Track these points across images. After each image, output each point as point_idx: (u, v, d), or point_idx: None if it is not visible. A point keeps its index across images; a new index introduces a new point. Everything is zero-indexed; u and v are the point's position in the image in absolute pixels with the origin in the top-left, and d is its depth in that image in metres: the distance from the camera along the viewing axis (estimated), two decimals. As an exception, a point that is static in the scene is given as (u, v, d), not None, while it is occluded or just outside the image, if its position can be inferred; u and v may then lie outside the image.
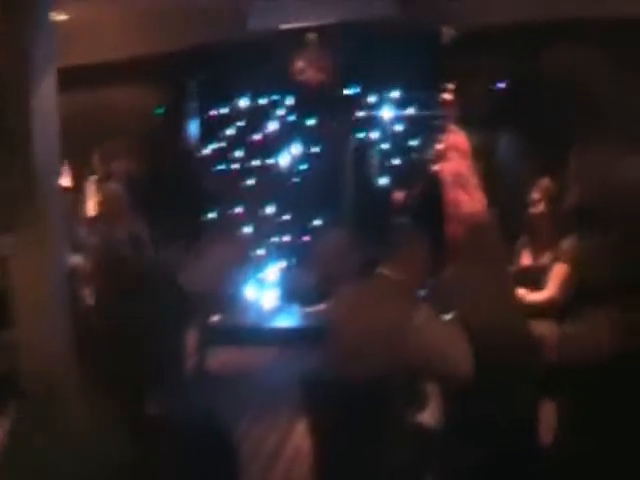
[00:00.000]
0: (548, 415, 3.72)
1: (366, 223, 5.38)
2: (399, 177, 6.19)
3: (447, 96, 4.93)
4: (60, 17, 6.45)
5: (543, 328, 4.12)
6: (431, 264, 3.56)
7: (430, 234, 3.55)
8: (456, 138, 4.70)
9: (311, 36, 6.79)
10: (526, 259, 4.54)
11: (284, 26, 6.84)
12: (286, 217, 6.76)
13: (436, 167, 4.82)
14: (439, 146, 4.76)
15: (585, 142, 5.33)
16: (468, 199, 4.41)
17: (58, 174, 5.42)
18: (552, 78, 6.42)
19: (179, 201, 6.03)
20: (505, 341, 3.29)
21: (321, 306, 5.36)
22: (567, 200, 4.86)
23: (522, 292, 4.27)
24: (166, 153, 6.52)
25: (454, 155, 4.69)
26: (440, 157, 4.71)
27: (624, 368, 3.41)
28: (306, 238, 6.59)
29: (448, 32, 5.22)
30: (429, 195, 4.90)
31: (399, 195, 5.71)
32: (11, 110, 5.21)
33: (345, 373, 3.12)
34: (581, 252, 4.35)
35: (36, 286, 4.39)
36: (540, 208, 4.50)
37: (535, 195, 4.53)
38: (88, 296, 5.31)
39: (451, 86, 4.95)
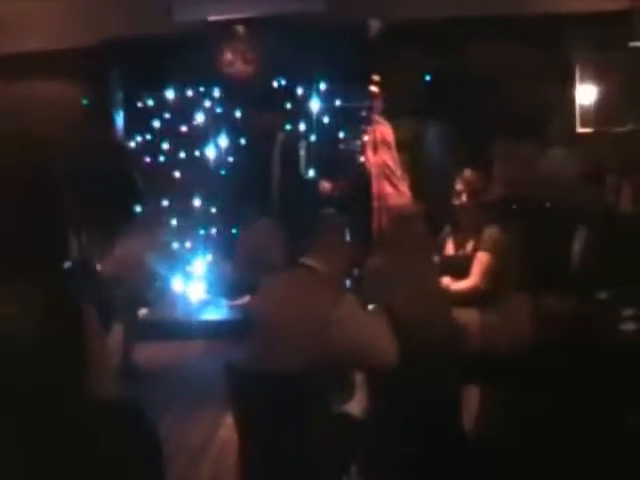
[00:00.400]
0: (472, 403, 3.77)
1: (292, 214, 5.36)
2: (326, 168, 6.18)
3: (373, 88, 4.95)
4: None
5: (466, 316, 4.17)
6: (356, 255, 3.57)
7: (356, 225, 3.56)
8: (382, 130, 4.74)
9: (239, 28, 6.75)
10: (450, 248, 4.60)
11: (211, 18, 6.78)
12: (213, 209, 6.70)
13: (362, 158, 4.85)
14: (365, 138, 4.80)
15: (507, 135, 5.43)
16: (393, 190, 4.47)
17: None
18: (475, 72, 6.52)
19: (105, 193, 5.91)
20: (430, 330, 3.31)
21: (247, 298, 5.33)
22: (490, 191, 4.93)
23: (446, 281, 4.33)
24: (92, 144, 6.38)
25: (380, 147, 4.73)
26: (366, 149, 4.75)
27: (543, 353, 3.49)
28: (233, 230, 6.55)
29: (374, 25, 5.24)
30: (355, 186, 4.92)
31: (326, 185, 5.70)
32: None
33: (270, 365, 3.10)
34: (502, 241, 4.43)
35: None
36: (463, 199, 4.55)
37: (458, 186, 4.58)
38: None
39: (377, 78, 4.98)
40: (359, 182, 4.89)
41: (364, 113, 5.11)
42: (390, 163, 4.67)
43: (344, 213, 4.05)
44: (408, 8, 5.90)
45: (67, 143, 6.76)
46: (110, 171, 6.18)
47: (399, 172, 4.66)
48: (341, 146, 6.06)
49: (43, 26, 7.21)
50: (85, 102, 7.16)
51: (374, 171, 4.62)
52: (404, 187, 4.55)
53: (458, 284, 4.35)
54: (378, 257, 3.70)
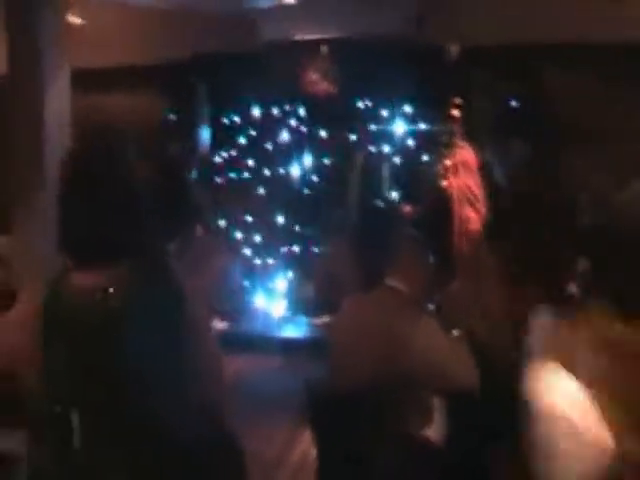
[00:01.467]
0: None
1: (374, 235, 5.35)
2: (408, 191, 6.15)
3: (455, 112, 4.92)
4: (74, 20, 6.47)
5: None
6: (437, 278, 3.55)
7: (437, 248, 3.54)
8: (465, 154, 4.70)
9: (323, 48, 6.80)
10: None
11: (296, 37, 6.86)
12: (296, 227, 6.75)
13: (445, 182, 4.81)
14: (448, 161, 4.77)
15: (590, 164, 5.34)
16: (475, 215, 4.42)
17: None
18: (556, 98, 6.45)
19: (189, 206, 6.00)
20: (508, 357, 3.28)
21: (328, 317, 5.35)
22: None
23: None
24: (177, 158, 6.50)
25: (462, 171, 4.69)
26: (449, 172, 4.71)
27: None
28: (315, 249, 6.58)
29: (455, 49, 5.22)
30: (437, 210, 4.88)
31: (407, 209, 5.67)
32: (23, 109, 5.23)
33: (351, 384, 3.11)
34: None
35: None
36: None
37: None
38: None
39: (459, 102, 4.95)
40: (441, 206, 4.85)
41: (447, 136, 5.08)
42: (473, 187, 4.63)
43: (425, 236, 4.04)
44: (491, 33, 5.88)
45: (151, 156, 6.93)
46: (192, 185, 6.27)
47: (481, 196, 4.61)
48: (422, 169, 6.01)
49: (131, 40, 7.41)
50: (171, 117, 7.30)
51: (456, 195, 4.59)
52: (483, 210, 4.52)
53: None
54: (458, 282, 3.68)
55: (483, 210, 4.58)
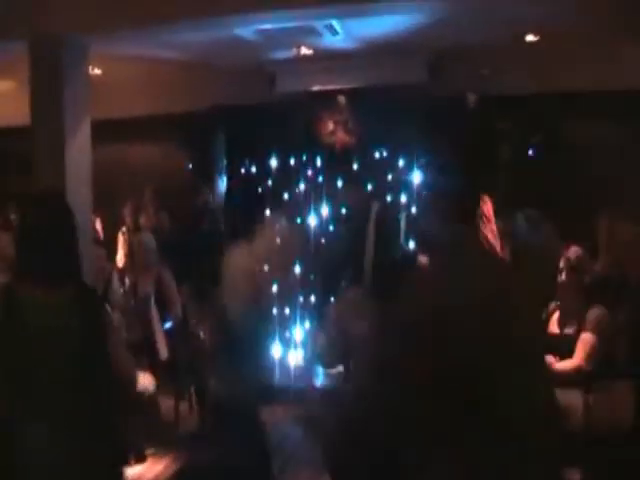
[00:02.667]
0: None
1: (388, 286, 5.33)
2: (424, 241, 6.12)
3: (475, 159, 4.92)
4: (95, 72, 6.59)
5: (570, 397, 4.10)
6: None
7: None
8: (482, 205, 4.70)
9: (340, 99, 6.88)
10: (554, 326, 4.52)
11: (313, 88, 6.95)
12: (312, 277, 6.74)
13: None
14: None
15: (612, 212, 5.35)
16: None
17: (89, 225, 5.49)
18: (577, 146, 6.50)
19: (206, 255, 6.04)
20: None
21: (341, 368, 5.32)
22: (595, 269, 4.85)
23: (550, 359, 4.25)
24: (194, 209, 6.56)
25: (480, 220, 4.68)
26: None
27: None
28: (331, 299, 6.56)
29: (471, 98, 5.25)
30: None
31: (424, 260, 5.62)
32: (46, 160, 5.31)
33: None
34: (607, 323, 4.34)
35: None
36: (567, 276, 4.50)
37: (562, 263, 4.53)
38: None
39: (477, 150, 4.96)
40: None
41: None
42: (490, 236, 4.62)
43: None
44: (507, 83, 5.95)
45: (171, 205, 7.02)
46: (209, 235, 6.32)
47: (499, 245, 4.61)
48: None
49: (151, 91, 7.53)
50: (190, 167, 7.38)
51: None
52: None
53: (563, 364, 4.28)
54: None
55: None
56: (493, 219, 4.72)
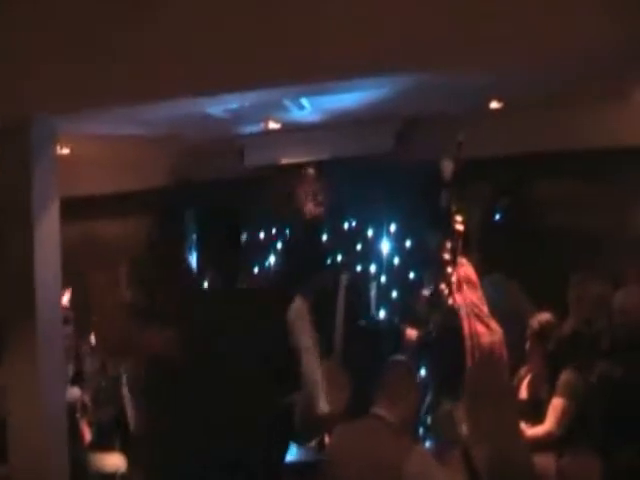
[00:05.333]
0: None
1: (357, 359, 5.29)
2: (408, 313, 6.09)
3: (458, 227, 4.93)
4: (63, 151, 6.60)
5: (542, 461, 4.11)
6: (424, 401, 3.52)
7: (446, 368, 3.54)
8: (465, 270, 4.72)
9: (309, 170, 6.94)
10: (524, 392, 4.55)
11: (282, 161, 7.01)
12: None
13: (451, 300, 4.79)
14: (452, 279, 4.76)
15: (583, 270, 5.40)
16: (485, 329, 4.43)
17: (58, 304, 5.44)
18: (544, 206, 6.58)
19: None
20: (511, 473, 3.26)
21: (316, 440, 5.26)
22: (563, 331, 4.88)
23: (522, 425, 4.27)
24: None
25: (466, 287, 4.70)
26: (454, 289, 4.70)
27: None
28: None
29: (447, 165, 5.28)
30: (447, 329, 4.80)
31: (411, 333, 5.55)
32: (14, 239, 5.28)
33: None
34: (578, 386, 4.37)
35: (32, 419, 4.32)
36: (531, 344, 4.56)
37: (531, 329, 4.58)
38: (87, 431, 5.23)
39: (460, 218, 4.97)
40: (449, 325, 4.80)
41: (450, 252, 5.06)
42: (477, 302, 4.65)
43: (433, 357, 4.01)
44: (474, 148, 6.04)
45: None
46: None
47: (486, 310, 4.63)
48: (424, 291, 5.91)
49: (118, 168, 7.55)
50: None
51: (463, 311, 4.59)
52: (494, 324, 4.50)
53: (534, 430, 4.30)
54: (465, 397, 3.65)
55: (492, 324, 4.59)
56: (477, 283, 4.73)
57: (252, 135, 6.88)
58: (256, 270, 6.94)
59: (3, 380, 4.53)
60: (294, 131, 6.74)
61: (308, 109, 6.19)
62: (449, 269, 4.84)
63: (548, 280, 5.54)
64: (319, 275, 6.40)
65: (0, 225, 5.40)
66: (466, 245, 4.93)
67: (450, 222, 4.98)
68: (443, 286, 5.06)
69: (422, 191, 6.06)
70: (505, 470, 3.29)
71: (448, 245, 4.92)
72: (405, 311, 6.23)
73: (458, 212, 5.01)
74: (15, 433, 4.30)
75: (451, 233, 4.94)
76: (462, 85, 5.53)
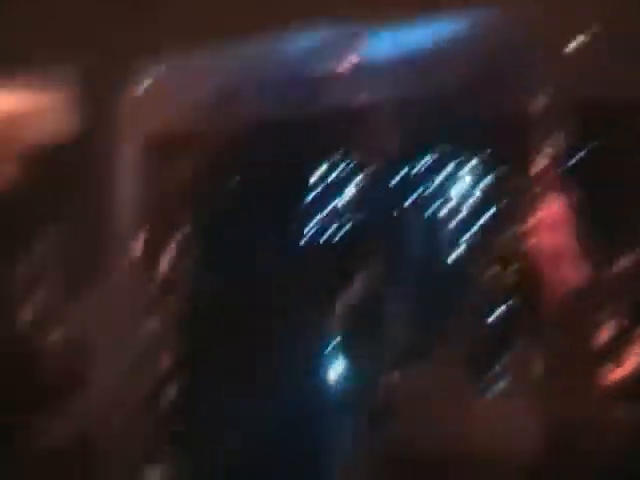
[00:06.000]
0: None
1: (432, 298, 5.29)
2: (489, 253, 5.97)
3: (544, 163, 4.76)
4: (141, 88, 6.69)
5: (625, 410, 4.04)
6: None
7: (525, 315, 3.51)
8: (556, 209, 4.53)
9: (387, 108, 6.88)
10: (606, 332, 4.46)
11: (359, 98, 6.97)
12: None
13: (532, 240, 4.60)
14: (535, 217, 4.57)
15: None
16: (570, 276, 4.27)
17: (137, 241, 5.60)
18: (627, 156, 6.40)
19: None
20: (585, 423, 3.25)
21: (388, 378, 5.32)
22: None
23: (606, 367, 4.19)
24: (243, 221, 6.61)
25: (553, 226, 4.52)
26: (537, 229, 4.52)
27: None
28: (374, 311, 6.55)
29: (541, 100, 5.10)
30: (524, 273, 4.66)
31: (487, 271, 5.45)
32: (98, 179, 5.42)
33: (411, 450, 3.11)
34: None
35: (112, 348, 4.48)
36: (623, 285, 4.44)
37: (617, 267, 4.46)
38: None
39: (549, 151, 4.80)
40: (528, 267, 4.63)
41: (533, 190, 4.86)
42: (568, 243, 4.47)
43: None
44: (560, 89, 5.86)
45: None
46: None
47: (577, 252, 4.43)
48: (507, 230, 5.75)
49: (197, 106, 7.62)
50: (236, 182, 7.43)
51: (549, 253, 4.42)
52: (584, 267, 4.35)
53: (617, 372, 4.20)
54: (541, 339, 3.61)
55: (580, 267, 4.42)
56: (568, 224, 4.54)
57: (325, 74, 6.84)
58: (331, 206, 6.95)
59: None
60: (368, 69, 6.68)
61: (386, 44, 6.12)
62: (534, 207, 4.65)
63: (627, 227, 5.40)
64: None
65: (82, 164, 5.56)
66: (557, 183, 4.73)
67: (536, 159, 4.80)
68: (527, 225, 4.88)
69: (502, 130, 5.95)
70: (579, 419, 3.27)
71: (536, 181, 4.73)
72: (486, 250, 6.14)
73: (550, 146, 4.81)
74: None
75: (538, 170, 4.75)
76: (543, 18, 5.37)
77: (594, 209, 5.70)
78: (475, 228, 6.37)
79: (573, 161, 5.35)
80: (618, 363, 4.23)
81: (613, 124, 6.51)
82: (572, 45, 6.04)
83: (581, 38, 5.98)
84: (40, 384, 3.67)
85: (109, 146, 5.50)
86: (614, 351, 4.34)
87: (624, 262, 4.61)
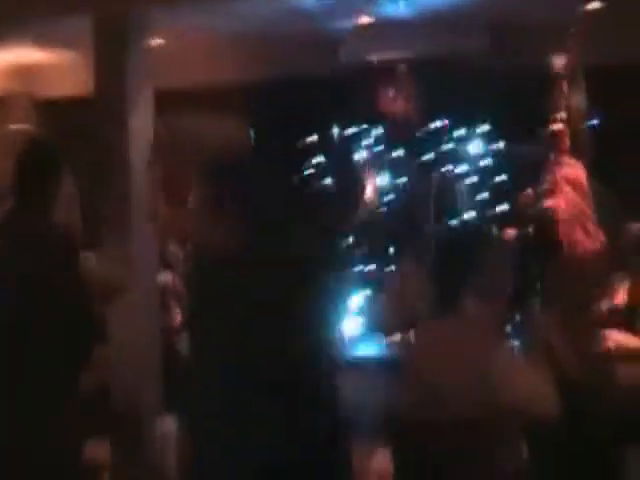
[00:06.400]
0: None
1: (451, 255, 5.26)
2: (507, 214, 5.88)
3: (559, 126, 4.70)
4: (157, 42, 6.64)
5: (629, 372, 4.05)
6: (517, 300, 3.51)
7: (542, 275, 3.49)
8: (570, 171, 4.49)
9: (402, 67, 6.83)
10: (621, 298, 4.46)
11: (375, 58, 6.92)
12: (366, 247, 6.74)
13: (549, 202, 4.57)
14: (552, 180, 4.54)
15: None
16: (586, 237, 4.25)
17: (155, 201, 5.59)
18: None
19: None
20: (595, 379, 3.25)
21: (399, 336, 5.32)
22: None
23: (614, 333, 4.20)
24: (255, 180, 6.59)
25: (569, 189, 4.49)
26: (553, 191, 4.49)
27: None
28: (389, 268, 6.56)
29: (558, 61, 5.00)
30: (543, 233, 4.61)
31: (510, 233, 5.37)
32: (109, 130, 5.41)
33: (429, 413, 3.10)
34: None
35: (126, 303, 4.48)
36: (634, 251, 4.43)
37: (629, 235, 4.45)
38: (177, 314, 5.43)
39: (563, 116, 4.74)
40: (548, 229, 4.58)
41: (547, 153, 4.79)
42: (583, 207, 4.44)
43: (529, 261, 3.90)
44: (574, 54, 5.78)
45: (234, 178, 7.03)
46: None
47: (591, 215, 4.41)
48: (524, 192, 5.67)
49: (211, 62, 7.57)
50: (253, 139, 7.39)
51: (564, 216, 4.39)
52: (596, 231, 4.33)
53: (629, 340, 4.21)
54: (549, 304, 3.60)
55: (595, 231, 4.39)
56: (585, 186, 4.51)
57: (344, 31, 6.78)
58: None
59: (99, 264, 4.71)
60: (386, 27, 6.63)
61: (402, 3, 6.07)
62: (550, 169, 4.62)
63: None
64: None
65: (96, 117, 5.55)
66: (573, 145, 4.68)
67: (554, 120, 4.73)
68: (543, 187, 4.83)
69: (522, 93, 5.89)
70: (588, 375, 3.27)
71: (551, 144, 4.68)
72: (504, 212, 6.07)
73: (567, 110, 4.75)
74: (112, 317, 4.49)
75: (553, 132, 4.70)
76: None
77: (607, 174, 5.69)
78: (492, 189, 6.37)
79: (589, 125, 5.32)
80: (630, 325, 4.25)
81: (628, 92, 6.46)
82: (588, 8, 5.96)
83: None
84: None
85: (122, 101, 5.48)
86: (629, 313, 4.35)
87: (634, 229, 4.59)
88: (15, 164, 3.12)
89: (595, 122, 6.08)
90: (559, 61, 4.95)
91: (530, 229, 4.96)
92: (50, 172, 3.19)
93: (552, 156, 4.70)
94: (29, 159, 3.17)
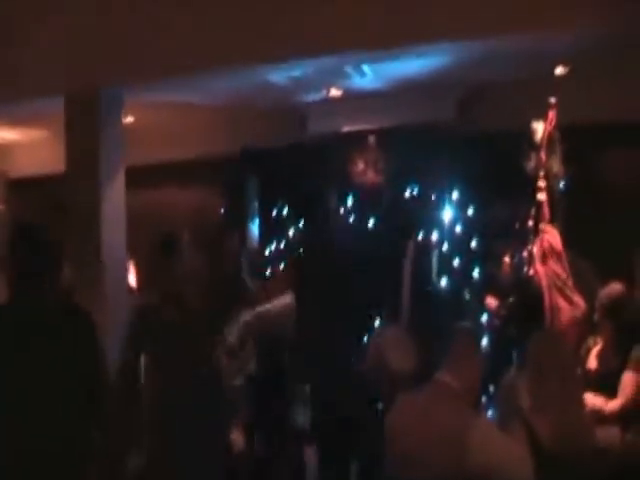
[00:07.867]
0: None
1: (423, 326, 5.25)
2: (489, 283, 5.86)
3: (541, 196, 4.75)
4: (127, 120, 6.70)
5: (606, 435, 4.05)
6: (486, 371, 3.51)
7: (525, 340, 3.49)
8: (550, 238, 4.54)
9: (370, 138, 6.91)
10: (593, 362, 4.47)
11: (344, 129, 7.00)
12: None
13: (532, 270, 4.61)
14: (534, 248, 4.58)
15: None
16: (567, 304, 4.30)
17: (124, 268, 5.59)
18: (609, 181, 6.42)
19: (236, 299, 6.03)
20: (573, 448, 3.24)
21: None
22: (636, 304, 4.75)
23: (595, 400, 4.20)
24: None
25: (549, 257, 4.53)
26: (535, 259, 4.53)
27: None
28: (364, 338, 6.51)
29: (537, 127, 5.06)
30: (526, 301, 4.63)
31: (492, 302, 5.37)
32: (81, 207, 5.44)
33: (406, 478, 3.09)
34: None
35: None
36: (605, 313, 4.46)
37: (600, 300, 4.48)
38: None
39: (543, 184, 4.79)
40: (530, 297, 4.61)
41: (529, 222, 4.83)
42: (561, 274, 4.49)
43: (511, 330, 3.92)
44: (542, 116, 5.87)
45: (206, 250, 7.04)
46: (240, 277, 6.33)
47: (570, 283, 4.46)
48: (505, 259, 5.65)
49: (182, 136, 7.64)
50: (222, 211, 7.41)
51: (545, 283, 4.44)
52: (578, 298, 4.36)
53: (609, 404, 4.22)
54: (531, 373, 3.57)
55: (576, 298, 4.43)
56: (563, 254, 4.56)
57: (314, 103, 6.88)
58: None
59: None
60: (356, 99, 6.72)
61: (369, 76, 6.17)
62: (531, 238, 4.66)
63: (613, 253, 5.40)
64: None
65: (69, 191, 5.57)
66: (551, 213, 4.73)
67: (533, 188, 4.76)
68: (525, 255, 4.87)
69: (491, 159, 5.95)
70: (567, 442, 3.26)
71: (531, 212, 4.72)
72: (486, 279, 6.06)
73: (546, 177, 4.79)
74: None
75: (533, 200, 4.73)
76: (524, 52, 5.41)
77: (582, 239, 5.74)
78: (468, 258, 6.37)
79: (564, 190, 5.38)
80: (605, 390, 4.26)
81: (600, 152, 6.56)
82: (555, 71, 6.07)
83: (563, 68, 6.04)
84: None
85: (94, 179, 5.52)
86: (602, 378, 4.36)
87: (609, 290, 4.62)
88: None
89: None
90: (536, 127, 5.01)
91: (511, 298, 4.98)
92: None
93: (531, 224, 4.76)
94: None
